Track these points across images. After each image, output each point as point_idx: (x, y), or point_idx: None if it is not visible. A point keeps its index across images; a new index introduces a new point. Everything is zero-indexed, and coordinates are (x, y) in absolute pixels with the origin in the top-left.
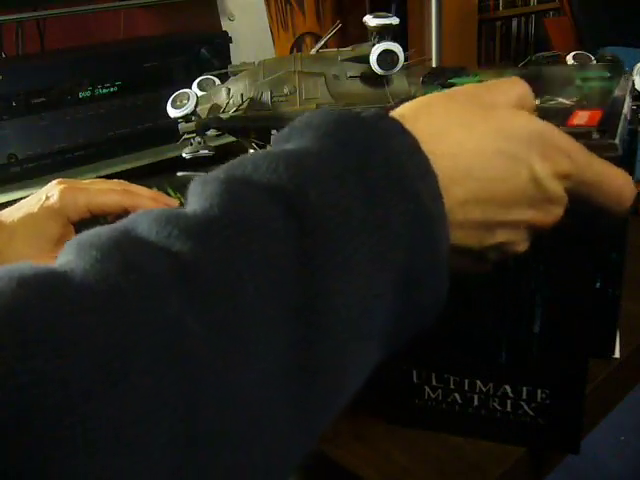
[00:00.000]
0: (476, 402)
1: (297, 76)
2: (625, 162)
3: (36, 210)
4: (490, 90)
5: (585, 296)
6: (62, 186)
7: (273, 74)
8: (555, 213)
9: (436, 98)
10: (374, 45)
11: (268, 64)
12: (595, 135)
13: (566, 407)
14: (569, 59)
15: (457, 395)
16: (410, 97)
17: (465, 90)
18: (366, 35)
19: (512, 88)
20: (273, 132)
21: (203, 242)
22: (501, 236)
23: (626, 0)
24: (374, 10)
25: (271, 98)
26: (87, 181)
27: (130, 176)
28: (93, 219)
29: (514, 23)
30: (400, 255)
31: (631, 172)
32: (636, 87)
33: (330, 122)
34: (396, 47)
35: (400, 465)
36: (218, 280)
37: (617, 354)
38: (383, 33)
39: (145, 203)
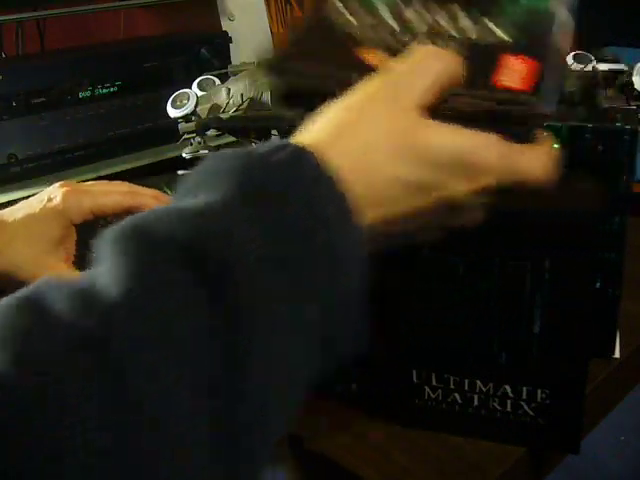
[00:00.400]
0: (476, 402)
1: None
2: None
3: (38, 211)
4: (401, 85)
5: (585, 296)
6: (65, 188)
7: None
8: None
9: (344, 115)
10: None
11: None
12: (528, 99)
13: (566, 407)
14: (569, 59)
15: (457, 395)
16: None
17: (373, 97)
18: None
19: (428, 70)
20: (273, 132)
21: (109, 325)
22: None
23: (626, 0)
24: None
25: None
26: (89, 183)
27: (130, 176)
28: (94, 221)
29: None
30: (323, 280)
31: (631, 172)
32: (636, 87)
33: (238, 170)
34: None
35: (400, 465)
36: (135, 360)
37: (617, 354)
38: None
39: (148, 202)
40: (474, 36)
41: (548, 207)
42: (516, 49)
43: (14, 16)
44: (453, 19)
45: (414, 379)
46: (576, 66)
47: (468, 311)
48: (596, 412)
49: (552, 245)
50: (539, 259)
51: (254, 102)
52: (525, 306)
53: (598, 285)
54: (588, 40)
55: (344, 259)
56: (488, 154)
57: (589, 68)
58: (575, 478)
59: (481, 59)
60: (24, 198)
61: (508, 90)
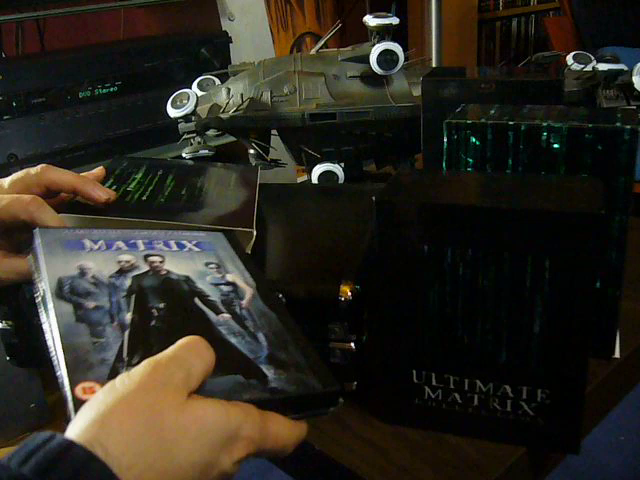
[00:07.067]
0: (476, 402)
1: (297, 76)
2: None
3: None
4: (165, 375)
5: (585, 296)
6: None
7: (273, 74)
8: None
9: (119, 428)
10: (374, 45)
11: (268, 64)
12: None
13: (566, 407)
14: (569, 59)
15: (457, 395)
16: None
17: (143, 387)
18: (366, 35)
19: (185, 362)
20: (273, 132)
21: None
22: None
23: (626, 0)
24: (374, 10)
25: (271, 98)
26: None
27: None
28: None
29: (514, 23)
30: None
31: (631, 172)
32: (636, 87)
33: None
34: (396, 47)
35: (400, 465)
36: None
37: (617, 354)
38: (383, 33)
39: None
40: None
41: (548, 207)
42: None
43: (14, 16)
44: None
45: (414, 379)
46: (576, 66)
47: (468, 311)
48: (596, 412)
49: (552, 245)
50: (539, 259)
51: (254, 102)
52: (525, 306)
53: (598, 285)
54: (588, 40)
55: None
56: (251, 428)
57: (589, 68)
58: (575, 478)
59: None
60: None
61: None
